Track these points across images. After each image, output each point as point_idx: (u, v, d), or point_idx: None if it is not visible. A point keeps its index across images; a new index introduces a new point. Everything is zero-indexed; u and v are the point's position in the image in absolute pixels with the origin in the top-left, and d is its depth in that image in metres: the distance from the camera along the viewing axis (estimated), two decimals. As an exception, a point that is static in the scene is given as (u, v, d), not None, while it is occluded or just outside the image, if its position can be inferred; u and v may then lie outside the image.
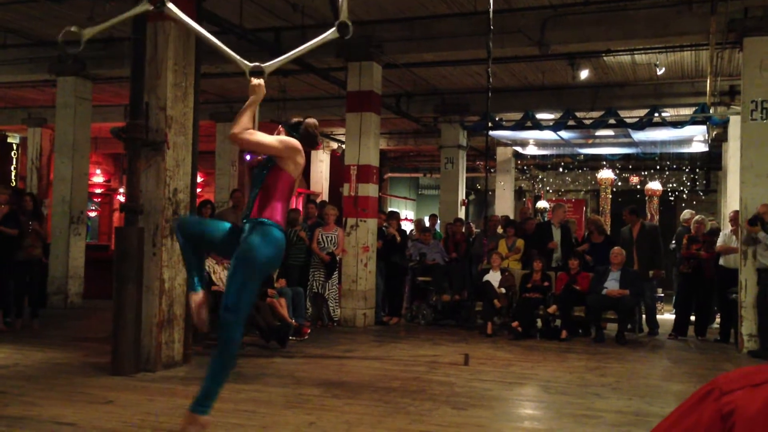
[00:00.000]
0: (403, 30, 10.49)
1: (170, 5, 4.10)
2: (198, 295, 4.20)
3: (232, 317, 3.96)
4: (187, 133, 7.17)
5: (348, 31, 4.03)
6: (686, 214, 11.98)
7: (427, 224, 13.32)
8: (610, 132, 14.61)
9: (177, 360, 6.87)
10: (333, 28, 4.09)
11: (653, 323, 10.43)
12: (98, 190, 21.09)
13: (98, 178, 21.00)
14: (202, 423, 3.97)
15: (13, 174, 19.83)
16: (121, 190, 20.43)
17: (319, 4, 9.45)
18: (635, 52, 11.06)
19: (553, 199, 21.15)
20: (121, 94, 13.66)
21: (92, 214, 20.07)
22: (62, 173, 12.27)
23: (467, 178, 16.50)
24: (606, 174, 18.20)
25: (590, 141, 15.83)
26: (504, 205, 17.98)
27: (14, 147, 19.83)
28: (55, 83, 12.61)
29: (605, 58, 11.43)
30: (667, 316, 12.12)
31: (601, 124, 13.23)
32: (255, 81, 4.08)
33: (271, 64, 4.20)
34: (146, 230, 6.81)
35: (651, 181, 18.44)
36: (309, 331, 9.19)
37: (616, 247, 10.05)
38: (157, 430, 4.72)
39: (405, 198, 24.19)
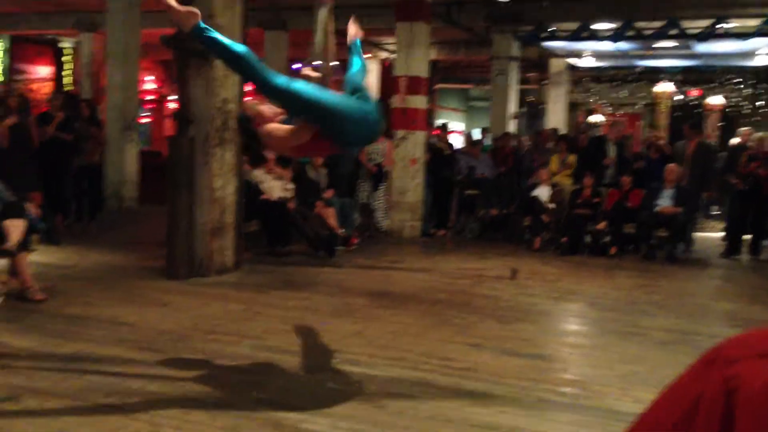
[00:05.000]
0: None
1: None
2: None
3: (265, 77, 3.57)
4: (238, 41, 7.09)
5: None
6: (743, 130, 11.55)
7: (477, 138, 13.14)
8: (670, 43, 14.00)
9: (229, 266, 7.04)
10: None
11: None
12: (149, 97, 21.26)
13: (149, 85, 21.12)
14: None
15: (67, 79, 20.07)
16: (172, 97, 20.56)
17: None
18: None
19: (608, 112, 20.61)
20: (171, -1, 13.49)
21: (144, 121, 20.30)
22: (114, 80, 12.38)
23: (518, 91, 16.12)
24: (664, 87, 17.55)
25: (649, 52, 15.21)
26: (556, 118, 17.56)
27: (67, 52, 19.98)
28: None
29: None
30: (716, 234, 11.88)
31: (661, 35, 12.68)
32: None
33: None
34: (197, 139, 6.85)
35: (711, 95, 17.74)
36: (357, 241, 9.29)
37: (670, 164, 9.80)
38: (210, 332, 4.89)
39: (455, 110, 23.82)
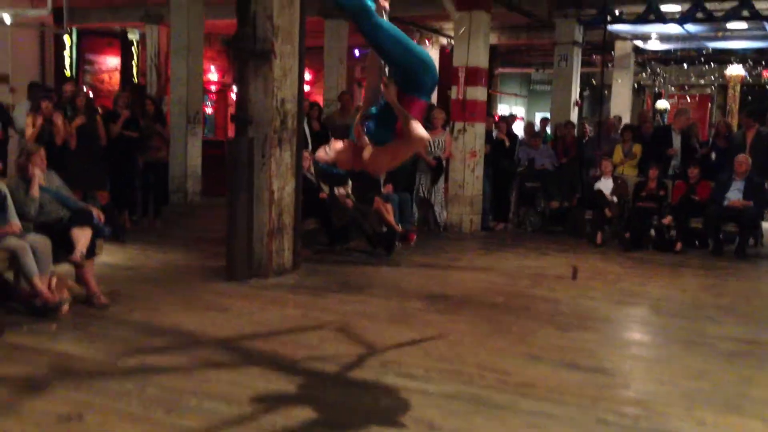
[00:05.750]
0: None
1: None
2: None
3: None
4: (294, 42, 7.11)
5: None
6: None
7: (538, 128, 12.90)
8: (742, 25, 13.42)
9: (287, 267, 7.11)
10: None
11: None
12: (213, 87, 21.59)
13: (213, 75, 21.45)
14: None
15: (134, 70, 20.55)
16: (235, 87, 20.80)
17: None
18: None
19: (676, 95, 19.95)
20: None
21: (209, 110, 20.64)
22: (178, 73, 12.60)
23: (582, 74, 15.73)
24: (735, 70, 16.85)
25: (720, 34, 14.61)
26: (621, 102, 17.08)
27: (134, 43, 20.44)
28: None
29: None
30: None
31: (733, 16, 12.15)
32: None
33: None
34: (256, 140, 6.91)
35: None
36: (415, 237, 9.24)
37: (741, 155, 9.41)
38: (268, 340, 4.96)
39: (516, 95, 23.43)
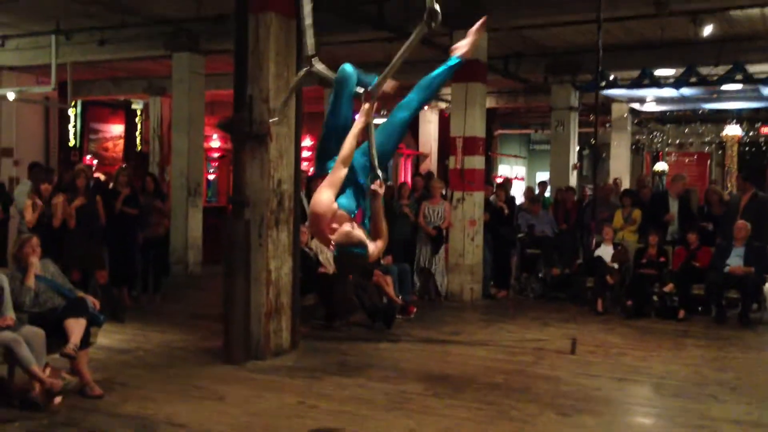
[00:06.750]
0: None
1: (317, 65, 4.22)
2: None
3: None
4: (290, 123, 7.21)
5: (436, 19, 3.68)
6: None
7: (537, 192, 12.96)
8: (736, 87, 13.57)
9: (285, 347, 7.06)
10: (422, 23, 3.79)
11: None
12: (216, 154, 21.82)
13: (215, 142, 21.72)
14: None
15: (138, 139, 20.83)
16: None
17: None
18: (766, 5, 10.11)
19: (674, 153, 20.05)
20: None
21: (211, 177, 20.79)
22: (179, 147, 12.74)
23: (580, 134, 15.88)
24: (732, 130, 16.96)
25: (715, 96, 14.77)
26: (620, 163, 17.22)
27: (138, 112, 20.77)
28: (171, 56, 13.00)
29: (732, 12, 10.52)
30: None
31: (727, 80, 12.32)
32: (367, 106, 3.97)
33: (376, 85, 4.02)
34: (252, 221, 6.94)
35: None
36: (415, 309, 9.20)
37: (740, 221, 9.41)
38: (263, 432, 4.89)
39: (516, 156, 23.61)
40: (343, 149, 3.83)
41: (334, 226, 3.77)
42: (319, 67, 4.25)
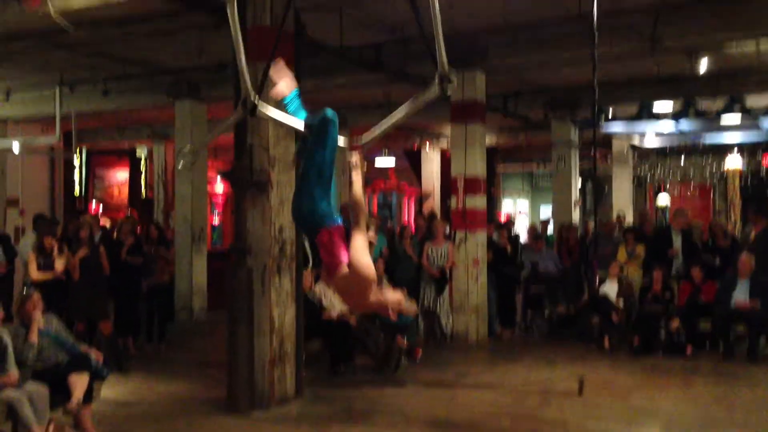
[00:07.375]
0: (506, 35, 10.14)
1: (261, 108, 3.89)
2: None
3: None
4: (291, 171, 7.26)
5: (450, 86, 3.59)
6: None
7: (539, 230, 12.97)
8: (735, 119, 13.65)
9: (290, 395, 7.02)
10: (434, 86, 3.70)
11: None
12: (220, 199, 21.94)
13: (219, 186, 21.86)
14: None
15: (142, 184, 20.98)
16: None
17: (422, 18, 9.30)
18: (761, 41, 10.20)
19: (677, 184, 20.03)
20: (235, 110, 14.05)
21: (216, 221, 20.87)
22: (183, 194, 12.81)
23: (582, 169, 15.93)
24: (733, 162, 16.95)
25: (715, 128, 14.86)
26: (622, 197, 17.23)
27: (142, 158, 20.95)
28: (173, 104, 13.16)
29: (726, 51, 10.62)
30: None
31: (725, 112, 12.42)
32: (355, 157, 3.97)
33: (368, 140, 4.03)
34: (255, 270, 6.96)
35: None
36: (421, 352, 9.15)
37: (744, 255, 9.39)
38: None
39: (519, 191, 23.65)
40: (357, 212, 3.70)
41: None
42: (267, 111, 3.91)
